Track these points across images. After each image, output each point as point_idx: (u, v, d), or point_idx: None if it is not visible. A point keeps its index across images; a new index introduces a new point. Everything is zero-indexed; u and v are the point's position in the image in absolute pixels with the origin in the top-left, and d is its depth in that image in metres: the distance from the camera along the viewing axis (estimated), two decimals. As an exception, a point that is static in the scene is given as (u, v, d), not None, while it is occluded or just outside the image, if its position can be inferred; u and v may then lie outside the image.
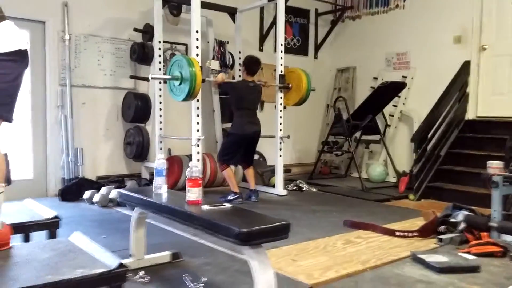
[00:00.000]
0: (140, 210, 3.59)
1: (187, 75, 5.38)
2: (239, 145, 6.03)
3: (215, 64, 7.07)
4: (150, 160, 6.93)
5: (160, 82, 6.93)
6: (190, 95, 5.47)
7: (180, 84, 5.45)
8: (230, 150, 6.08)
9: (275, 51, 7.47)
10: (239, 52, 7.82)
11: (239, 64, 7.44)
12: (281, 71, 6.73)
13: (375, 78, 8.78)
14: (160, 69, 6.94)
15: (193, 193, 3.10)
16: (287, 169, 7.98)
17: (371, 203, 6.36)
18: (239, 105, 6.02)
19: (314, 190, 7.23)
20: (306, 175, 8.55)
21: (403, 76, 8.28)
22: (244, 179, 6.57)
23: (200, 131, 5.84)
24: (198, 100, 5.70)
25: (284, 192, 6.77)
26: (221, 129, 7.74)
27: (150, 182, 6.38)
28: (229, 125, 6.84)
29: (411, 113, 8.23)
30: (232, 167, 6.31)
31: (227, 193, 6.17)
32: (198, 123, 5.80)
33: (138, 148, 6.84)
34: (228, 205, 3.05)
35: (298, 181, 7.42)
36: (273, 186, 6.96)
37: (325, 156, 8.94)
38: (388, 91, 7.62)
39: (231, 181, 6.07)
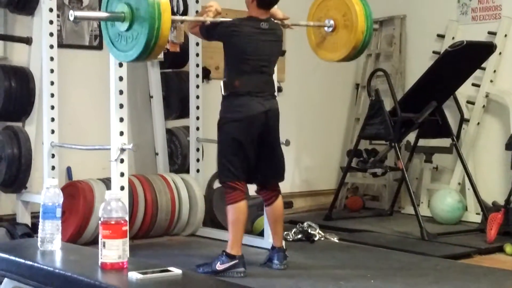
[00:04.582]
0: (13, 284, 3.17)
1: (145, 9, 4.47)
2: (243, 140, 5.02)
3: None
4: (32, 191, 6.02)
5: (51, 46, 5.65)
6: (150, 50, 4.57)
7: (128, 28, 4.61)
8: (232, 156, 4.96)
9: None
10: (198, -12, 6.49)
11: (196, 11, 6.29)
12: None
13: (441, 36, 7.86)
14: (52, 21, 5.65)
15: (113, 250, 2.59)
16: (286, 203, 6.84)
17: (437, 261, 5.58)
18: (240, 65, 5.07)
19: (335, 239, 6.31)
20: (320, 212, 7.63)
21: (489, 32, 7.38)
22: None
23: (125, 134, 5.25)
24: (122, 79, 4.96)
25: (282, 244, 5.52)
26: (164, 131, 6.78)
27: (33, 230, 5.68)
28: (179, 122, 6.53)
29: (506, 98, 7.18)
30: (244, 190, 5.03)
31: (212, 257, 5.03)
32: (121, 120, 5.19)
33: (10, 168, 5.93)
34: (176, 272, 2.52)
35: (305, 224, 6.37)
36: (260, 234, 5.90)
37: (354, 178, 8.09)
38: (464, 59, 6.69)
39: (236, 229, 4.94)
